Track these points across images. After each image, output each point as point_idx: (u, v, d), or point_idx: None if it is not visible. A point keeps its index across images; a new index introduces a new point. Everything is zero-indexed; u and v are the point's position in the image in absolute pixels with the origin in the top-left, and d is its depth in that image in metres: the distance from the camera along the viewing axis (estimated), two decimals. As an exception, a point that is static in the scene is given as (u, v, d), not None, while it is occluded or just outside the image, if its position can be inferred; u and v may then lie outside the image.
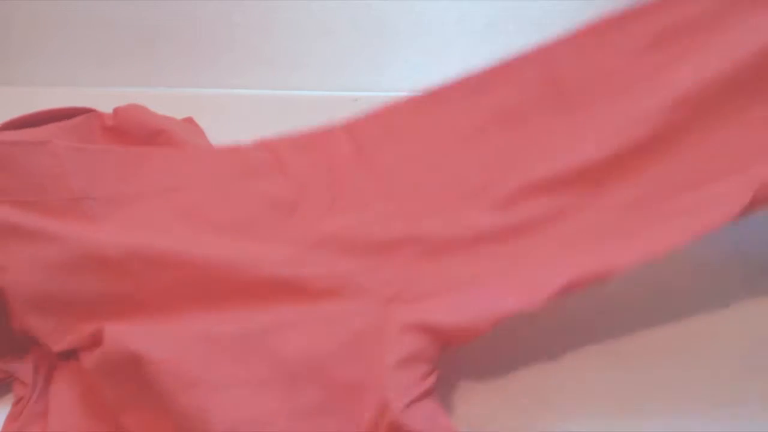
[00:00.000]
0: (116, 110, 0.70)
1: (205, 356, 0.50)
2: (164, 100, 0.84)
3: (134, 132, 0.68)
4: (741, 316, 0.56)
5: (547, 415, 0.51)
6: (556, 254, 0.56)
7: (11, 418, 0.52)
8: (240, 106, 0.75)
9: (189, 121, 0.74)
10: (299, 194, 0.61)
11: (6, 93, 0.85)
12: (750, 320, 0.56)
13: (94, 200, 0.58)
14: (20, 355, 0.55)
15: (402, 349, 0.50)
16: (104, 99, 0.85)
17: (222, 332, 0.51)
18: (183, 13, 0.83)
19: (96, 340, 0.51)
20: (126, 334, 0.51)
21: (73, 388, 0.54)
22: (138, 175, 0.61)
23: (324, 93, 0.78)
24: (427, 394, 0.48)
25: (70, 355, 0.54)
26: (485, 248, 0.57)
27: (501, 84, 0.64)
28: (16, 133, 0.64)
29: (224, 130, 0.73)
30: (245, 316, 0.52)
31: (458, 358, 0.52)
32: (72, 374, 0.54)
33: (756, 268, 0.59)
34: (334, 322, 0.52)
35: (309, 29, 0.84)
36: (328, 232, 0.58)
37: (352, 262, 0.56)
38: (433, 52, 0.86)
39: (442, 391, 0.50)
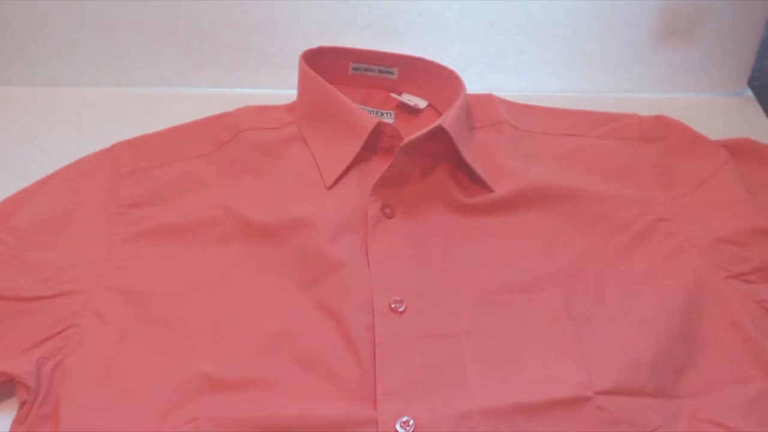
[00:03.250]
0: None
1: None
2: (164, 100, 0.84)
3: None
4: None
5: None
6: None
7: (17, 422, 0.53)
8: (240, 106, 0.75)
9: None
10: None
11: (6, 93, 0.85)
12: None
13: None
14: (21, 357, 0.56)
15: None
16: (104, 99, 0.85)
17: None
18: (183, 13, 0.83)
19: None
20: None
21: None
22: None
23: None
24: None
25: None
26: None
27: None
28: None
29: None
30: None
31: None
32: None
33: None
34: None
35: (309, 29, 0.84)
36: None
37: None
38: (433, 52, 0.86)
39: None
